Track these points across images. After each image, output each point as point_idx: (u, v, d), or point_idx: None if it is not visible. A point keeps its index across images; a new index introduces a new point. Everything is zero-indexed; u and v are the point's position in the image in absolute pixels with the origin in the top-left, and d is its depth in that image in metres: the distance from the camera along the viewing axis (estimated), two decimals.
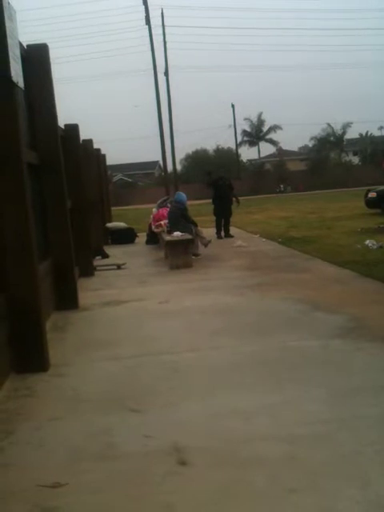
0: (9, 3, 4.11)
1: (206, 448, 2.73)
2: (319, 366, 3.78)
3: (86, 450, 2.80)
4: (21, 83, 4.36)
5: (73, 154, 8.20)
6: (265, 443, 2.73)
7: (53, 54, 6.35)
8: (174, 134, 36.39)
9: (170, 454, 2.67)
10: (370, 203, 16.60)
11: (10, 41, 4.05)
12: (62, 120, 8.21)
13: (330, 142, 54.55)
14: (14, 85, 4.09)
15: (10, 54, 4.04)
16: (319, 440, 2.73)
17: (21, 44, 5.09)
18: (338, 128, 54.30)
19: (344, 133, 54.82)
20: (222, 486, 2.39)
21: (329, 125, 54.45)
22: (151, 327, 5.18)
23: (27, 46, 5.83)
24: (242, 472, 2.49)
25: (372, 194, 16.70)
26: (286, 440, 2.74)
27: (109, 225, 14.10)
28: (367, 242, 9.55)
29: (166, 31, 36.43)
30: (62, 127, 8.17)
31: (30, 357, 4.07)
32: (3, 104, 3.99)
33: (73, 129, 8.81)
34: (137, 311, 5.90)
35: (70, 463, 2.68)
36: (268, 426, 2.92)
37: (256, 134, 56.38)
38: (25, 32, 5.19)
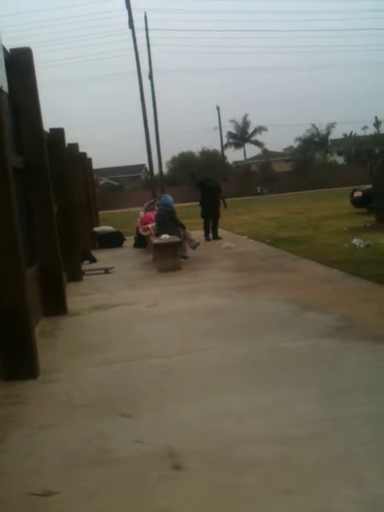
0: None
1: (200, 451, 2.71)
2: (310, 366, 3.78)
3: (78, 457, 2.77)
4: (5, 87, 4.33)
5: (58, 158, 8.15)
6: (258, 445, 2.72)
7: (37, 59, 6.32)
8: (160, 137, 36.40)
9: (163, 458, 2.65)
10: (356, 202, 16.70)
11: None
12: (48, 124, 8.16)
13: (314, 143, 54.85)
14: None
15: None
16: (313, 440, 2.73)
17: (4, 48, 5.05)
18: (322, 129, 54.63)
19: (328, 133, 55.15)
20: (217, 489, 2.38)
21: (313, 125, 54.76)
22: (141, 331, 5.15)
23: (11, 50, 5.79)
24: (237, 474, 2.48)
25: (358, 194, 16.79)
26: (279, 441, 2.73)
27: (96, 229, 14.03)
28: (354, 240, 9.61)
29: (150, 34, 36.47)
30: (48, 131, 8.12)
31: (19, 363, 4.03)
32: None
33: (58, 133, 8.76)
34: (126, 315, 5.88)
35: (62, 470, 2.65)
36: (261, 427, 2.92)
37: (241, 135, 56.52)
38: (9, 37, 5.15)
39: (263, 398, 3.28)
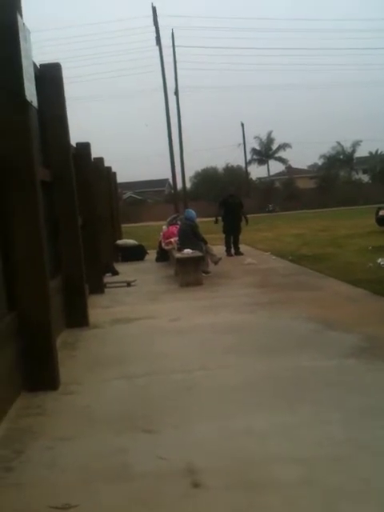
0: (24, 24, 4.17)
1: (221, 469, 2.68)
2: (333, 386, 3.71)
3: (98, 471, 2.75)
4: (35, 102, 4.39)
5: (84, 171, 8.25)
6: (280, 465, 2.68)
7: (65, 74, 6.43)
8: (184, 153, 36.62)
9: (184, 476, 2.62)
10: (381, 221, 16.55)
11: (24, 61, 4.10)
12: (74, 138, 8.28)
13: (339, 160, 54.67)
14: (28, 104, 4.12)
15: (25, 74, 4.08)
16: (335, 462, 2.67)
17: (34, 63, 5.15)
18: (347, 146, 54.50)
19: (354, 151, 54.97)
20: (238, 509, 2.34)
21: (338, 143, 54.67)
22: (162, 345, 5.14)
23: (40, 65, 5.91)
24: (258, 495, 2.43)
25: (383, 212, 16.65)
26: (301, 462, 2.68)
27: (119, 242, 14.12)
28: (379, 260, 9.48)
29: (177, 51, 36.88)
30: (74, 145, 8.24)
31: (41, 375, 4.05)
32: (18, 123, 4.03)
33: (84, 147, 8.88)
34: (147, 329, 5.87)
35: (82, 484, 2.64)
36: (283, 447, 2.87)
37: (265, 152, 56.62)
38: (38, 52, 5.26)
39: (285, 418, 3.23)
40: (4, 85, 3.96)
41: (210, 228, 13.68)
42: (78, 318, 6.19)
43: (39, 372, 4.04)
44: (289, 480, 2.53)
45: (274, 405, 3.46)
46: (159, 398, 3.75)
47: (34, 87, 4.49)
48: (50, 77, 6.04)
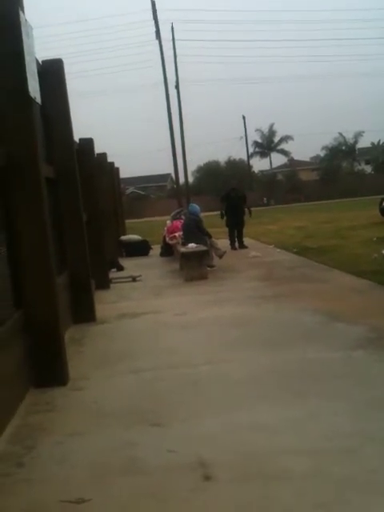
0: (26, 20, 4.16)
1: (230, 462, 2.69)
2: (341, 378, 3.72)
3: (109, 465, 2.77)
4: (38, 98, 4.40)
5: (87, 167, 8.25)
6: (289, 457, 2.69)
7: (67, 69, 6.42)
8: (186, 147, 36.55)
9: (194, 469, 2.64)
10: None
11: (27, 57, 4.10)
12: (77, 134, 8.27)
13: (342, 152, 54.47)
14: (31, 100, 4.13)
15: (28, 70, 4.08)
16: (345, 454, 2.68)
17: (36, 59, 5.15)
18: (349, 137, 54.28)
19: (356, 142, 54.75)
20: (249, 502, 2.35)
21: (340, 134, 54.43)
22: (169, 339, 5.16)
23: (42, 61, 5.90)
24: (268, 487, 2.45)
25: None
26: (311, 454, 2.70)
27: (123, 237, 14.14)
28: None
29: (177, 45, 36.76)
30: (77, 141, 8.23)
31: (50, 371, 4.07)
32: (21, 119, 4.03)
33: (87, 143, 8.87)
34: (154, 323, 5.89)
35: (93, 478, 2.66)
36: (292, 439, 2.88)
37: (267, 144, 56.47)
38: (40, 48, 5.24)
39: (293, 410, 3.24)
40: (7, 81, 3.96)
41: (214, 222, 13.69)
42: (84, 313, 6.21)
43: (48, 368, 4.06)
44: (298, 472, 2.54)
45: (280, 398, 3.47)
46: (166, 393, 3.76)
47: (37, 83, 4.49)
48: (52, 73, 6.03)
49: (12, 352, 3.72)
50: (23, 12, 4.12)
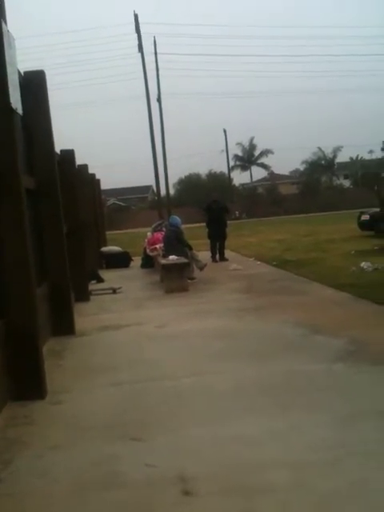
0: (8, 31, 4.15)
1: (212, 476, 2.67)
2: (323, 390, 3.73)
3: (89, 480, 2.73)
4: (19, 109, 4.38)
5: (68, 178, 8.22)
6: (272, 470, 2.68)
7: (49, 81, 6.41)
8: (167, 159, 36.65)
9: (174, 484, 2.61)
10: (364, 225, 16.73)
11: (9, 68, 4.08)
12: (59, 145, 8.24)
13: (321, 166, 55.16)
14: (12, 111, 4.10)
15: (9, 80, 4.06)
16: (327, 466, 2.68)
17: (18, 71, 5.13)
18: (328, 152, 55.02)
19: (335, 157, 55.51)
20: None
21: (319, 149, 55.14)
22: (150, 352, 5.12)
23: (24, 72, 5.88)
24: (250, 501, 2.43)
25: (365, 217, 16.84)
26: (294, 466, 2.69)
27: (103, 249, 14.07)
28: (363, 264, 9.57)
29: (160, 58, 36.96)
30: (58, 152, 8.20)
31: (28, 384, 4.01)
32: (2, 131, 4.00)
33: (68, 154, 8.85)
34: (135, 336, 5.85)
35: (73, 493, 2.62)
36: (275, 452, 2.87)
37: (248, 158, 56.92)
38: (22, 59, 5.23)
39: (276, 423, 3.24)
40: None
41: (196, 234, 13.71)
42: (64, 325, 6.15)
43: (26, 381, 4.00)
44: (281, 484, 2.53)
45: (264, 410, 3.47)
46: (149, 405, 3.73)
47: (19, 94, 4.47)
48: (34, 84, 6.01)
49: None
50: (5, 23, 4.10)
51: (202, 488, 2.57)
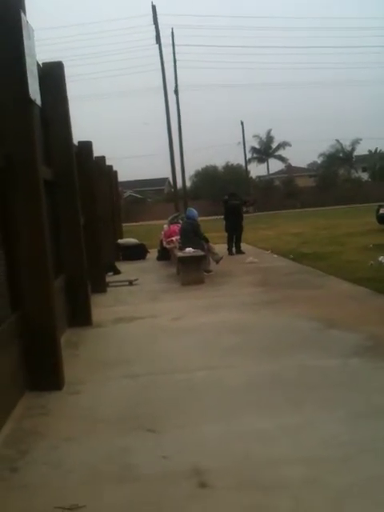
0: (27, 22, 4.15)
1: (226, 470, 2.67)
2: (338, 386, 3.71)
3: (103, 471, 2.75)
4: (38, 101, 4.38)
5: (86, 170, 8.23)
6: (286, 465, 2.67)
7: (67, 72, 6.41)
8: (184, 151, 36.58)
9: (189, 477, 2.61)
10: (382, 219, 16.55)
11: (28, 59, 4.08)
12: (76, 137, 8.25)
13: (339, 159, 54.66)
14: (31, 103, 4.11)
15: (28, 72, 4.07)
16: (342, 462, 2.66)
17: (37, 62, 5.13)
18: (346, 144, 54.49)
19: (353, 149, 55.00)
20: (245, 510, 2.33)
21: (338, 141, 54.65)
22: (165, 344, 5.13)
23: (43, 64, 5.89)
24: (265, 495, 2.43)
25: (383, 210, 16.65)
26: (308, 462, 2.68)
27: (120, 241, 14.12)
28: (381, 258, 9.47)
29: (176, 50, 36.82)
30: (76, 144, 8.21)
31: (45, 375, 4.03)
32: (21, 121, 4.01)
33: (86, 146, 8.86)
34: (150, 328, 5.86)
35: (87, 484, 2.63)
36: (289, 447, 2.86)
37: (265, 150, 56.65)
38: (41, 50, 5.24)
39: (290, 418, 3.23)
40: (8, 83, 3.94)
41: (212, 226, 13.69)
42: (81, 317, 6.19)
43: (43, 372, 4.03)
44: (296, 480, 2.52)
45: (277, 405, 3.45)
46: (162, 398, 3.74)
47: (38, 85, 4.48)
48: (52, 75, 6.02)
49: (8, 355, 3.69)
50: (25, 14, 4.11)
51: (216, 481, 2.57)
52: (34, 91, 4.24)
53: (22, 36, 3.94)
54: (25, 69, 3.96)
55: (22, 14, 4.00)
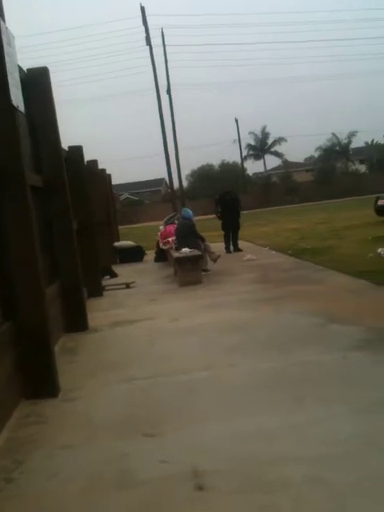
0: (6, 28, 4.10)
1: (228, 472, 2.61)
2: (339, 381, 3.64)
3: (101, 479, 2.69)
4: (21, 107, 4.33)
5: (77, 175, 8.18)
6: (289, 464, 2.61)
7: (57, 78, 6.42)
8: (179, 151, 36.55)
9: (189, 480, 2.55)
10: (380, 211, 16.47)
11: (8, 65, 4.03)
12: (69, 142, 8.23)
13: (335, 152, 54.58)
14: (14, 109, 4.06)
15: (9, 78, 4.02)
16: (345, 459, 2.60)
17: (21, 68, 5.08)
18: (343, 137, 54.39)
19: (349, 142, 54.90)
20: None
21: (334, 134, 54.56)
22: (164, 346, 5.08)
23: (28, 69, 5.83)
24: (267, 496, 2.37)
25: (381, 202, 16.57)
26: (310, 460, 2.62)
27: (117, 244, 14.06)
28: (379, 250, 9.41)
29: (167, 50, 36.80)
30: (66, 149, 8.17)
31: (40, 382, 3.98)
32: (4, 128, 3.96)
33: (77, 150, 8.80)
34: (148, 330, 5.80)
35: (85, 493, 2.57)
36: (291, 446, 2.80)
37: (261, 147, 56.57)
38: (28, 57, 5.21)
39: (292, 416, 3.16)
40: None
41: (209, 225, 13.64)
42: (77, 322, 6.13)
43: (38, 380, 3.98)
44: (299, 479, 2.46)
45: (279, 402, 3.39)
46: (162, 401, 3.68)
47: (20, 92, 4.42)
48: (38, 81, 5.96)
49: (2, 363, 3.63)
50: (4, 20, 4.05)
51: (216, 484, 2.51)
52: (17, 98, 4.18)
53: (1, 42, 3.88)
54: (6, 75, 3.91)
55: (1, 21, 3.94)
